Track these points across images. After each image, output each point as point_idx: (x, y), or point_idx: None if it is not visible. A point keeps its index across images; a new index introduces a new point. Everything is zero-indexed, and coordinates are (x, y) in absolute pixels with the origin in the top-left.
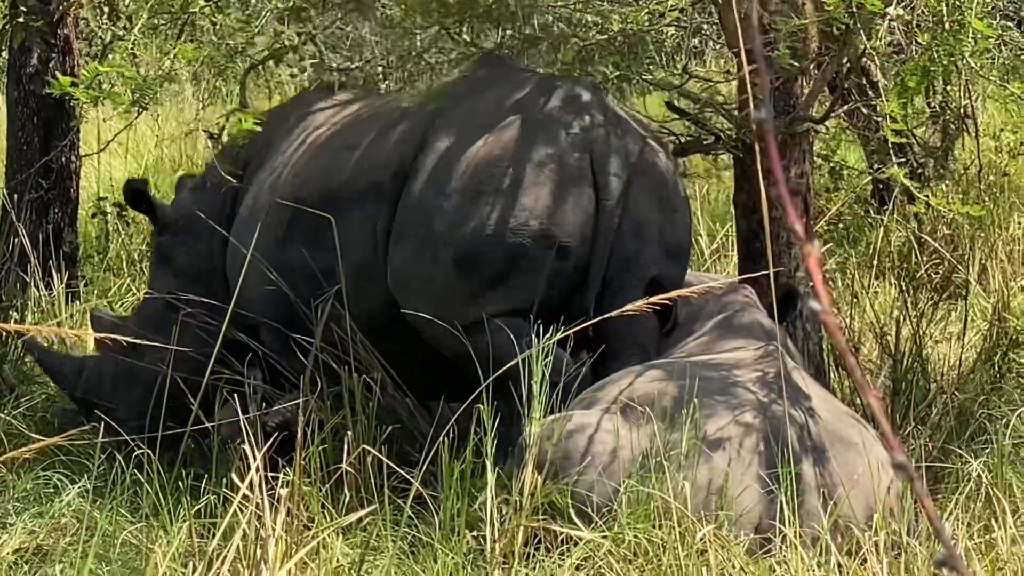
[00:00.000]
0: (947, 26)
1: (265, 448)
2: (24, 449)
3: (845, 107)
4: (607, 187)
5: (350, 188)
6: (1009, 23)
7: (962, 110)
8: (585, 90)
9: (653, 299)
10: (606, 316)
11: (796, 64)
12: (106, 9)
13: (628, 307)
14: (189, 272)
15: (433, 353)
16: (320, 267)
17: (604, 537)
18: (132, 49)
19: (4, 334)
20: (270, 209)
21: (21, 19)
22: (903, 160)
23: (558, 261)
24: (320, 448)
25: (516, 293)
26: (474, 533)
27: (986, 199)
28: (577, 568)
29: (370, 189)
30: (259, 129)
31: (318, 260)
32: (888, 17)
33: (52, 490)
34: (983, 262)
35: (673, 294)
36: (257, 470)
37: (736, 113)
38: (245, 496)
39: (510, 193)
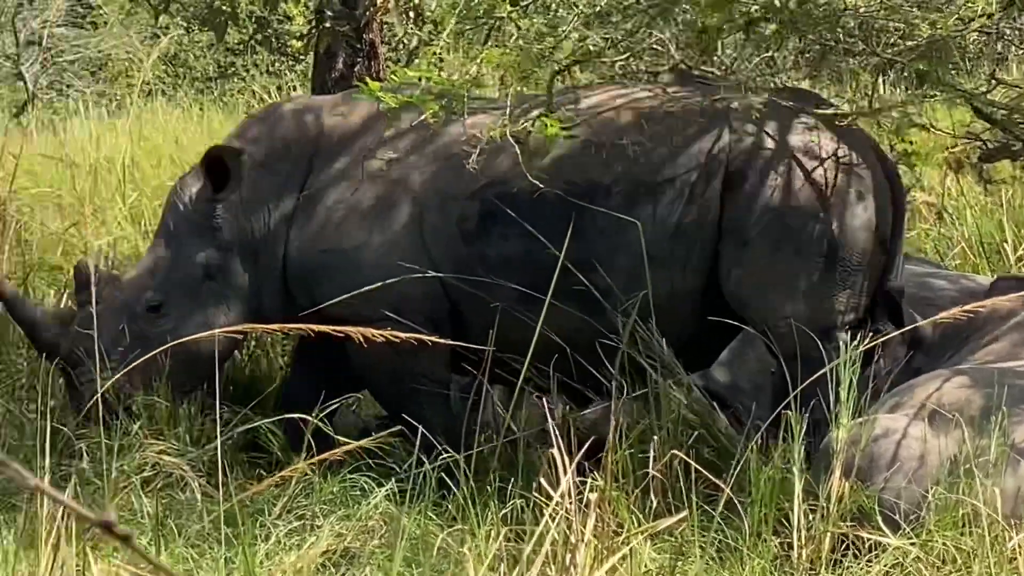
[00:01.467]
0: None
1: (579, 454)
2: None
3: None
4: (898, 187)
5: (627, 181)
6: None
7: None
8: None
9: (976, 304)
10: (927, 322)
11: None
12: (411, 14)
13: (943, 314)
14: (233, 247)
15: (707, 337)
16: (546, 259)
17: (912, 544)
18: (439, 54)
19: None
20: (428, 204)
21: (327, 24)
22: None
23: (883, 256)
24: (627, 452)
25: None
26: (780, 539)
27: None
28: (886, 575)
29: (667, 183)
30: (565, 135)
31: (541, 251)
32: None
33: (359, 492)
34: None
35: (988, 302)
36: (568, 475)
37: None
38: (552, 500)
39: (848, 192)
